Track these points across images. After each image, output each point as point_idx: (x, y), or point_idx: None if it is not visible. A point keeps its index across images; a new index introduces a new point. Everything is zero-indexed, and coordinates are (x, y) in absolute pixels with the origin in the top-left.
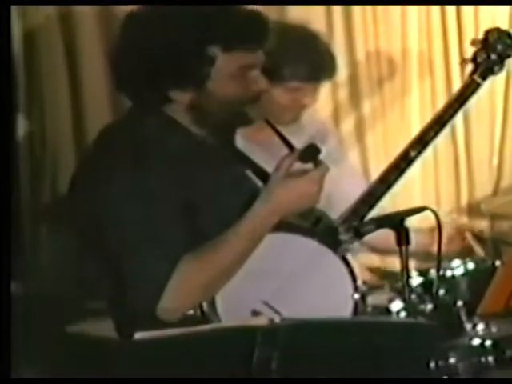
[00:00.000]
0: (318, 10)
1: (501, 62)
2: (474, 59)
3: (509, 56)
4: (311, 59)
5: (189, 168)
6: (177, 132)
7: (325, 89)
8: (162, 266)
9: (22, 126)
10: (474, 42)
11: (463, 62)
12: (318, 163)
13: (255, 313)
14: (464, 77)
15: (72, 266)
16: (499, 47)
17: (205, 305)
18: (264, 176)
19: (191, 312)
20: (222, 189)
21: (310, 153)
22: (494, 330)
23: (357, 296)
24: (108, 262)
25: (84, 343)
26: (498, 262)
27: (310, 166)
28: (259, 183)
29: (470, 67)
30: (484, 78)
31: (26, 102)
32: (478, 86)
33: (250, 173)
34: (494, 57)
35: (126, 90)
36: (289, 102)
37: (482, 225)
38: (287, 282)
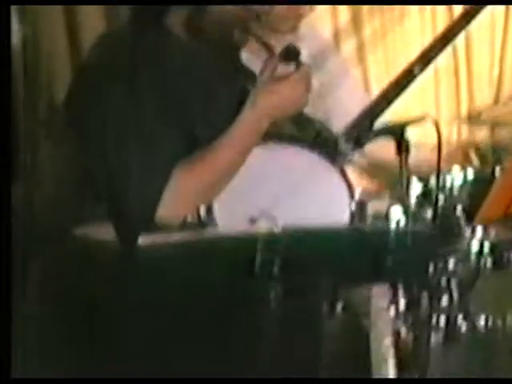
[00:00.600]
0: None
1: None
2: None
3: None
4: None
5: (187, 84)
6: (175, 47)
7: (325, 13)
8: (158, 175)
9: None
10: None
11: None
12: (299, 65)
13: (252, 220)
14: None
15: (73, 176)
16: None
17: (202, 210)
18: None
19: (189, 219)
20: (220, 103)
21: (290, 53)
22: (492, 234)
23: (354, 206)
24: (107, 174)
25: (87, 247)
26: (497, 171)
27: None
28: None
29: None
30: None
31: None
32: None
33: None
34: None
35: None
36: (284, 11)
37: (483, 133)
38: (285, 192)
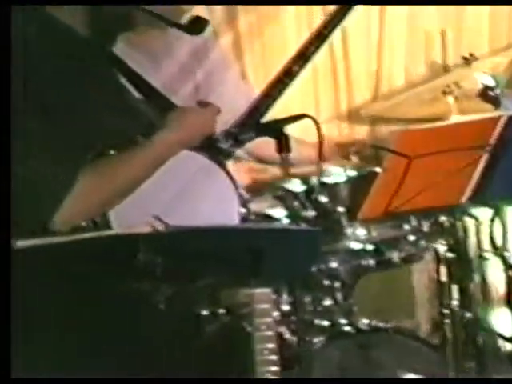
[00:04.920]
0: None
1: None
2: None
3: None
4: None
5: (73, 71)
6: (61, 31)
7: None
8: (62, 176)
9: None
10: None
11: None
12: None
13: (146, 224)
14: None
15: None
16: None
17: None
18: (142, 86)
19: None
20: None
21: (198, 24)
22: (374, 233)
23: (243, 210)
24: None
25: None
26: (378, 169)
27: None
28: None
29: None
30: None
31: None
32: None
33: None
34: None
35: None
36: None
37: (362, 130)
38: (177, 197)
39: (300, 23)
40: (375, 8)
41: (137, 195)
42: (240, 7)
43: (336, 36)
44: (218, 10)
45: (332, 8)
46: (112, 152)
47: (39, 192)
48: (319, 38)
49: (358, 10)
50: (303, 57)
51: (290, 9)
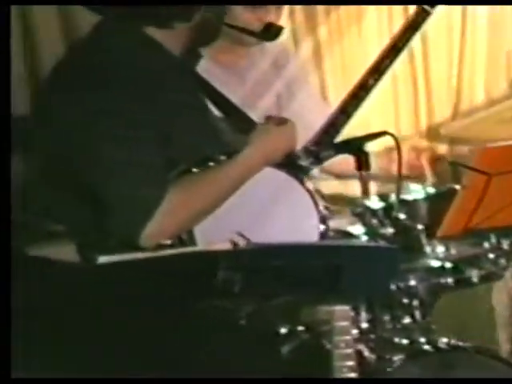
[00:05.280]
0: None
1: None
2: None
3: None
4: None
5: (160, 89)
6: (152, 50)
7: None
8: (150, 192)
9: None
10: None
11: None
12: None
13: (230, 241)
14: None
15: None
16: None
17: (184, 234)
18: (223, 104)
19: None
20: (187, 114)
21: (273, 31)
22: (453, 251)
23: (322, 227)
24: (78, 184)
25: (46, 267)
26: (457, 186)
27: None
28: (216, 112)
29: None
30: (433, 5)
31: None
32: (428, 13)
33: (208, 101)
34: None
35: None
36: (253, 20)
37: (442, 148)
38: (257, 213)
39: (381, 29)
40: (457, 24)
41: (219, 211)
42: (321, 11)
43: (417, 52)
44: (298, 15)
45: (405, 23)
46: (195, 169)
47: (128, 208)
48: (394, 50)
49: (440, 26)
50: (378, 70)
51: (371, 16)
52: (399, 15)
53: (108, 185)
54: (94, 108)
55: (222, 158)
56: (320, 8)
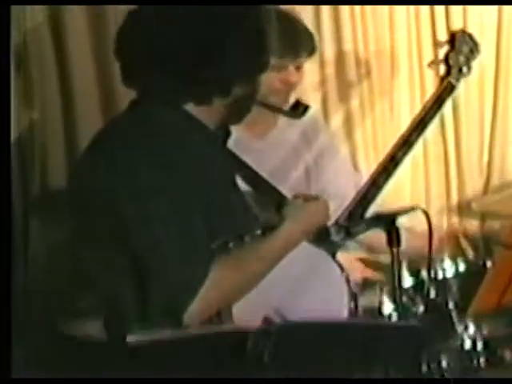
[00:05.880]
0: (307, 7)
1: (467, 63)
2: (445, 60)
3: (474, 58)
4: (287, 35)
5: (199, 165)
6: (192, 125)
7: (312, 81)
8: (196, 268)
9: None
10: (440, 44)
11: (434, 63)
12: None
13: (265, 319)
14: (437, 77)
15: (65, 260)
16: (465, 49)
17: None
18: (253, 178)
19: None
20: (221, 190)
21: (300, 109)
22: (485, 331)
23: (352, 304)
24: (122, 257)
25: (75, 344)
26: (488, 263)
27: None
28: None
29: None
30: (458, 79)
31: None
32: (454, 87)
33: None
34: (462, 59)
35: (139, 84)
36: (276, 83)
37: (473, 224)
38: (290, 289)
39: (414, 99)
40: (489, 100)
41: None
42: (353, 83)
43: (448, 125)
44: (330, 84)
45: (432, 97)
46: (231, 244)
47: (174, 283)
48: (422, 124)
49: (471, 98)
50: (407, 143)
51: (404, 86)
52: (431, 85)
53: (155, 257)
54: (143, 183)
55: (257, 232)
56: (352, 76)
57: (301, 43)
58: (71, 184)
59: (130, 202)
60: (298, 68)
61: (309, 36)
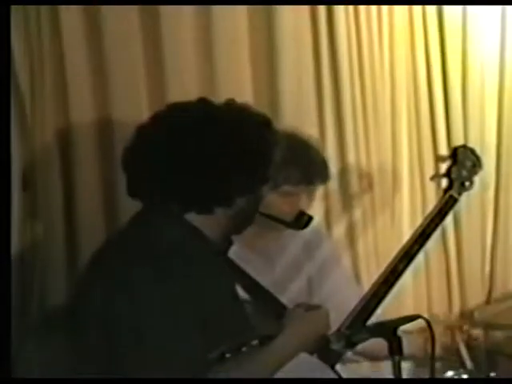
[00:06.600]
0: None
1: (470, 178)
2: (447, 174)
3: (476, 172)
4: (303, 163)
5: (200, 276)
6: (193, 236)
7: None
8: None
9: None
10: (443, 159)
11: (437, 176)
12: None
13: None
14: (440, 190)
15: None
16: (468, 163)
17: None
18: (253, 287)
19: None
20: (220, 300)
21: (303, 220)
22: None
23: None
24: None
25: None
26: (492, 374)
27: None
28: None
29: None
30: (460, 193)
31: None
32: (456, 201)
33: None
34: (464, 173)
35: (143, 194)
36: (285, 206)
37: (476, 334)
38: None
39: (415, 210)
40: (490, 212)
41: None
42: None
43: (450, 234)
44: (333, 196)
45: (433, 210)
46: (227, 355)
47: None
48: (423, 236)
49: (473, 211)
50: (407, 255)
51: (405, 196)
52: (432, 198)
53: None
54: (149, 297)
55: (254, 342)
56: (355, 189)
57: (316, 173)
58: (69, 303)
59: (125, 320)
60: (310, 195)
61: (324, 166)
